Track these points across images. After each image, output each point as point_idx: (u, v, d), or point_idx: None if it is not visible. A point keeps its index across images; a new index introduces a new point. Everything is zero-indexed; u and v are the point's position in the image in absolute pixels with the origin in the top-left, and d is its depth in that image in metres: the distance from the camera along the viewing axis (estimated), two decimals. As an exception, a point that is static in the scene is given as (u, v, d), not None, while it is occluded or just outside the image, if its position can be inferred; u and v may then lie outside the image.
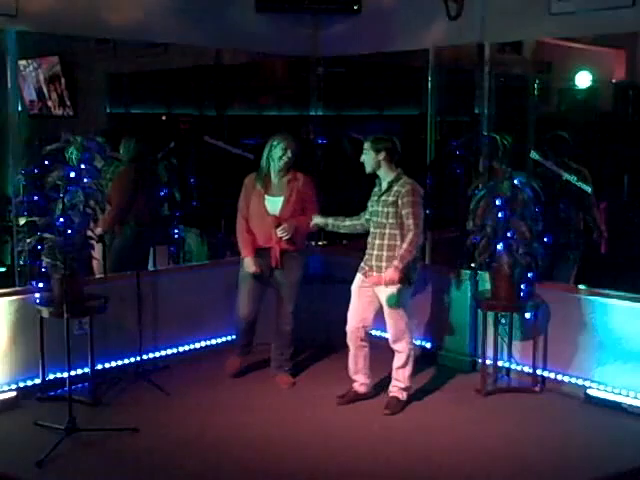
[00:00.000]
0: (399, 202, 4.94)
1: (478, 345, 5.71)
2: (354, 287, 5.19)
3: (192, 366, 5.89)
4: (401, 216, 4.94)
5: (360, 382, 5.27)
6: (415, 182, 5.03)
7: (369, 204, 5.15)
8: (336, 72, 6.87)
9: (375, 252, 5.04)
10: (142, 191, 5.99)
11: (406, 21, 6.14)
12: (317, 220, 5.33)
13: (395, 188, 4.98)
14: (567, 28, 5.37)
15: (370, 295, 5.11)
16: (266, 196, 5.41)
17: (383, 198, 5.01)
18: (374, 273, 5.03)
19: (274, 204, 5.40)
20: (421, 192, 5.02)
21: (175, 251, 6.53)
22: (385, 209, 4.99)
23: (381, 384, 5.35)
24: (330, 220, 5.32)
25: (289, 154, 5.34)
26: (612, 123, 6.37)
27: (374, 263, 5.04)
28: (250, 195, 5.45)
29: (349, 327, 5.19)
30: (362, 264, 5.16)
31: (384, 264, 4.98)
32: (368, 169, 5.06)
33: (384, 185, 5.03)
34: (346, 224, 5.31)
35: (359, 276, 5.17)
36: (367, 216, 5.18)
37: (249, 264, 5.43)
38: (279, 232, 5.33)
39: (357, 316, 5.15)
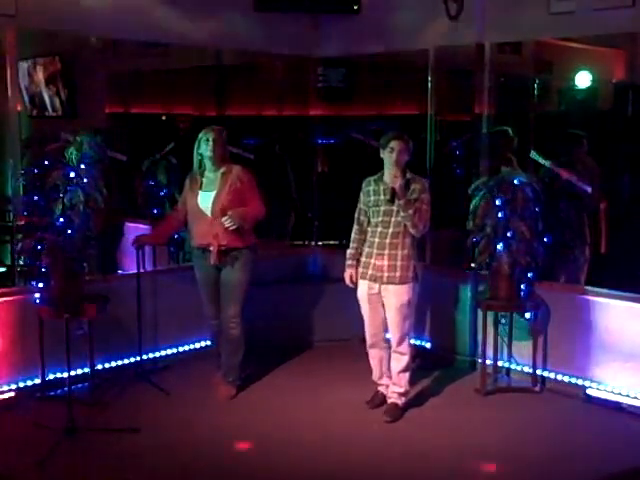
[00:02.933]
0: (417, 198, 4.83)
1: (478, 345, 5.71)
2: (362, 295, 5.01)
3: (192, 366, 5.89)
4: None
5: (386, 385, 5.15)
6: None
7: (370, 203, 4.95)
8: (336, 72, 6.86)
9: (387, 252, 4.89)
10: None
11: (406, 21, 6.14)
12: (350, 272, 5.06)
13: (413, 186, 4.86)
14: (567, 28, 5.37)
15: (380, 299, 4.98)
16: (199, 192, 5.20)
17: None
18: (385, 274, 4.87)
19: (205, 199, 5.14)
20: None
21: (175, 251, 6.53)
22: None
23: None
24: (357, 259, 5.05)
25: (216, 145, 5.09)
26: (612, 123, 6.37)
27: (386, 263, 4.88)
28: (187, 193, 5.27)
29: (370, 335, 5.05)
30: (362, 269, 4.98)
31: (399, 263, 4.87)
32: (399, 166, 4.83)
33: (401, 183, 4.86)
34: (361, 247, 5.05)
35: (366, 283, 4.97)
36: (363, 217, 5.03)
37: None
38: (225, 222, 5.01)
39: (375, 322, 5.02)
